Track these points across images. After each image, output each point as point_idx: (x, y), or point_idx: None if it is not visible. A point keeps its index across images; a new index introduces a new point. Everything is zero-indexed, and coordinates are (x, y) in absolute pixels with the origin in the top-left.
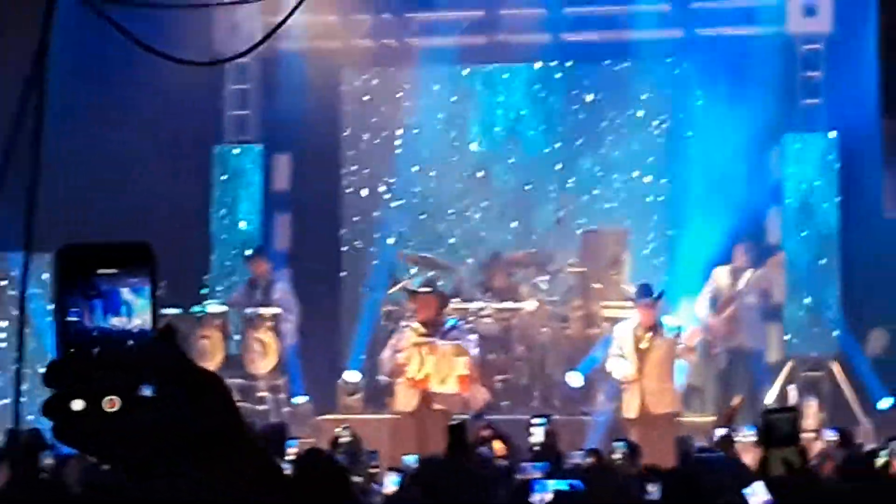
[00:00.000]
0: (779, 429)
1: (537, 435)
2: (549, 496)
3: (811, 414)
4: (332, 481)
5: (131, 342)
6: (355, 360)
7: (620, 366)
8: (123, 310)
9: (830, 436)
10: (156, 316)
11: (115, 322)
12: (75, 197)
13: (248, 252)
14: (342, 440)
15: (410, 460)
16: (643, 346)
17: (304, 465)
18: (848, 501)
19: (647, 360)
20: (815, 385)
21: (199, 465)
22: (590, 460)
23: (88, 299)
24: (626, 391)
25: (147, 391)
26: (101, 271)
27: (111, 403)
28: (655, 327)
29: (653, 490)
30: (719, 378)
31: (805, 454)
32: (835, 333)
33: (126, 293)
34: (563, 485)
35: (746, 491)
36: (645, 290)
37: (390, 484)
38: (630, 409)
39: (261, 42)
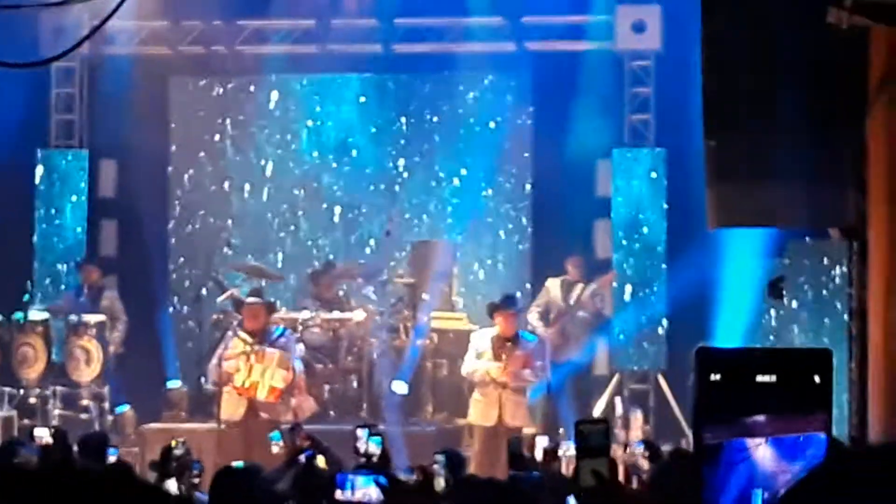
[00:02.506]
0: (590, 440)
1: (363, 445)
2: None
3: (637, 426)
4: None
5: None
6: (180, 369)
7: (481, 364)
8: None
9: (638, 449)
10: None
11: None
12: None
13: (78, 258)
14: (176, 452)
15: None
16: (504, 356)
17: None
18: None
19: (507, 369)
20: (642, 398)
21: None
22: (414, 477)
23: None
24: (483, 399)
25: None
26: None
27: None
28: (515, 337)
29: None
30: (550, 391)
31: (615, 466)
32: (662, 347)
33: None
34: (369, 481)
35: None
36: (508, 301)
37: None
38: (487, 419)
39: (80, 43)
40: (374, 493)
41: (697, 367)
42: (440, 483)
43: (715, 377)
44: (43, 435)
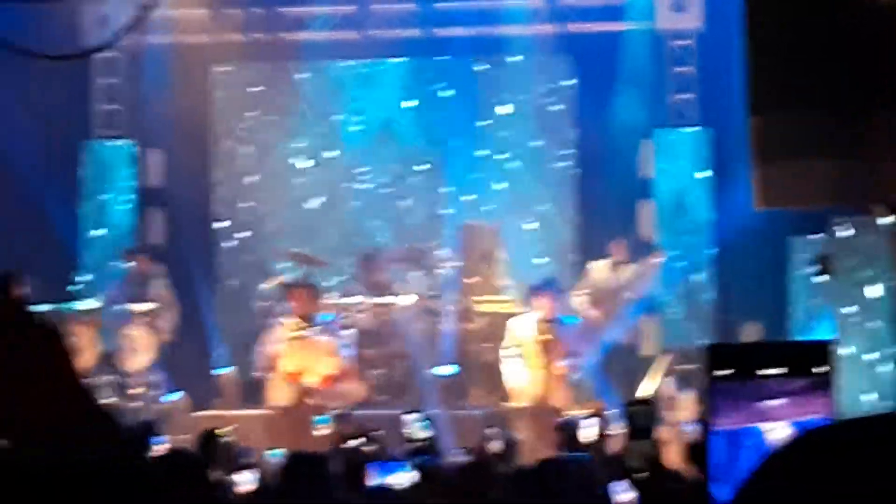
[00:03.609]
0: (638, 421)
1: (412, 430)
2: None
3: (686, 407)
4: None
5: None
6: (229, 356)
7: (516, 372)
8: None
9: (693, 429)
10: None
11: None
12: None
13: (127, 248)
14: (223, 440)
15: (276, 455)
16: (544, 338)
17: (164, 461)
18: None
19: (549, 352)
20: (691, 378)
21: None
22: (469, 457)
23: None
24: (525, 380)
25: None
26: None
27: None
28: (555, 320)
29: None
30: (596, 373)
31: (662, 447)
32: (709, 327)
33: None
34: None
35: (613, 487)
36: (549, 283)
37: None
38: (530, 400)
39: (123, 34)
40: (415, 476)
41: (708, 362)
42: (494, 464)
43: (725, 371)
44: None
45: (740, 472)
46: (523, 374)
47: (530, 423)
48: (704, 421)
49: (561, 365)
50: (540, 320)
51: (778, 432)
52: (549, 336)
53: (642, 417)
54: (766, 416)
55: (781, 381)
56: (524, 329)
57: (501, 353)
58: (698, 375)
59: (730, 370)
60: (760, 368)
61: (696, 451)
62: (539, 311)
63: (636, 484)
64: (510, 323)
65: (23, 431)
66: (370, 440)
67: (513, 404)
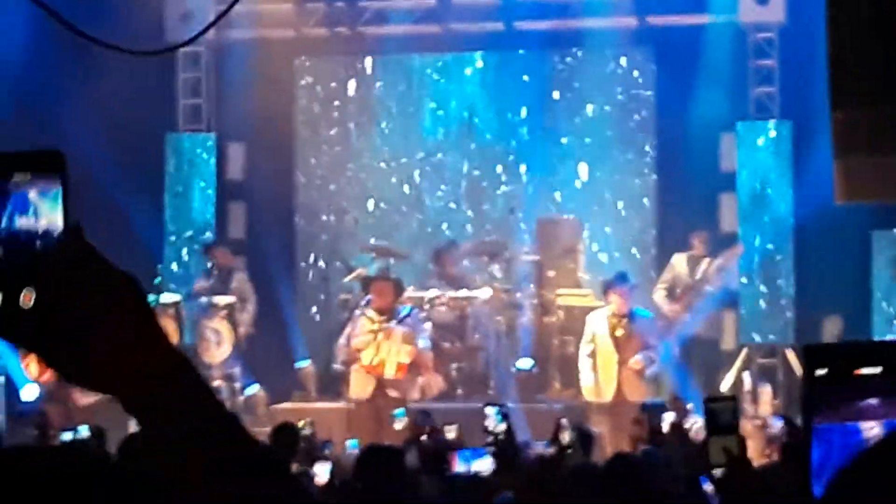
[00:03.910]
0: (718, 417)
1: (492, 423)
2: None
3: (766, 401)
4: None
5: (38, 242)
6: (309, 349)
7: (592, 367)
8: (31, 211)
9: (777, 424)
10: (66, 218)
11: (22, 223)
12: None
13: (208, 241)
14: (304, 433)
15: (352, 445)
16: (619, 333)
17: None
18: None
19: (623, 346)
20: (770, 372)
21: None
22: (550, 450)
23: None
24: (601, 375)
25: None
26: (13, 178)
27: (27, 297)
28: (630, 314)
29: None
30: (676, 366)
31: (744, 443)
32: (789, 320)
33: (33, 195)
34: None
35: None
36: (622, 278)
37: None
38: (604, 394)
39: (207, 29)
40: (493, 465)
41: (804, 363)
42: (571, 456)
43: (821, 372)
44: None
45: (834, 471)
46: (599, 368)
47: (607, 417)
48: (806, 420)
49: (636, 359)
50: (614, 314)
51: (874, 431)
52: (623, 331)
53: (724, 413)
54: (863, 416)
55: (878, 380)
56: (599, 324)
57: (581, 348)
58: (779, 370)
59: (825, 369)
60: (857, 368)
61: (793, 451)
62: (613, 305)
63: (716, 481)
64: (589, 317)
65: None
66: (439, 440)
67: (591, 398)
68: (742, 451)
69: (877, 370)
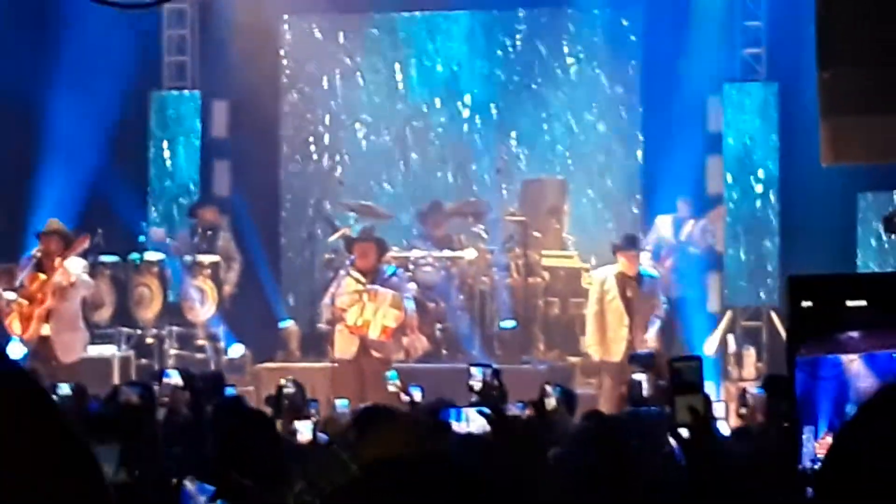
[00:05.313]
0: (684, 376)
1: (477, 383)
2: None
3: (750, 363)
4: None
5: None
6: (292, 309)
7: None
8: None
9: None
10: None
11: None
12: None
13: (195, 199)
14: (287, 391)
15: (342, 405)
16: (629, 293)
17: (226, 412)
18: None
19: (635, 307)
20: (754, 335)
21: None
22: (528, 412)
23: None
24: (610, 334)
25: None
26: None
27: None
28: (639, 277)
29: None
30: (660, 327)
31: (709, 402)
32: (774, 283)
33: None
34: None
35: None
36: (632, 240)
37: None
38: (613, 354)
39: None
40: (483, 423)
41: (789, 294)
42: (553, 417)
43: (807, 303)
44: (173, 376)
45: (820, 401)
46: (609, 328)
47: (617, 376)
48: (790, 351)
49: (645, 318)
50: (624, 276)
51: (855, 364)
52: (633, 292)
53: (689, 372)
54: (845, 348)
55: (862, 313)
56: (608, 284)
57: (588, 307)
58: (764, 332)
59: (811, 301)
60: (842, 300)
61: (779, 383)
62: (622, 267)
63: (681, 440)
64: (593, 276)
65: None
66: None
67: (600, 357)
68: (707, 409)
69: (862, 302)
